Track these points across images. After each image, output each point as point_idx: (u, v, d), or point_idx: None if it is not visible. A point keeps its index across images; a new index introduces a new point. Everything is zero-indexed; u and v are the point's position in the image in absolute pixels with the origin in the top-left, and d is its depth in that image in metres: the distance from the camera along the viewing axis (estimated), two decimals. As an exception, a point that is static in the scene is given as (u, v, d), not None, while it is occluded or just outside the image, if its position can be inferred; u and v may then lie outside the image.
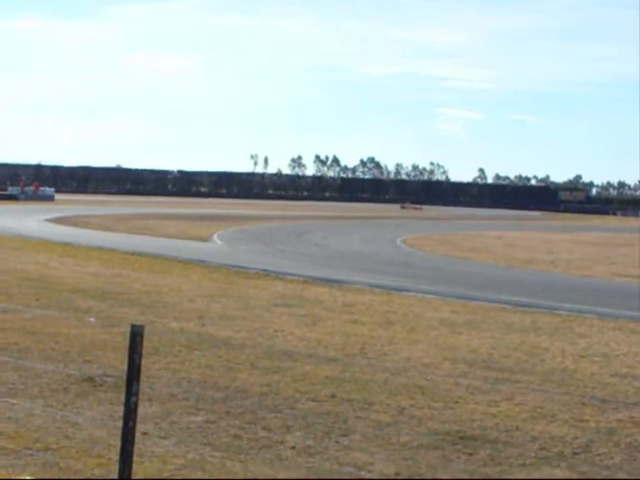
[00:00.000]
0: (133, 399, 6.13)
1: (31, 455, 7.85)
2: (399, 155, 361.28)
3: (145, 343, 6.30)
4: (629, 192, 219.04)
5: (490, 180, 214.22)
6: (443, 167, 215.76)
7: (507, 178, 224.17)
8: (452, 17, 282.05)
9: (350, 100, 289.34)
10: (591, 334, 17.11)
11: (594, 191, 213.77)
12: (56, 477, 7.39)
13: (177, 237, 43.16)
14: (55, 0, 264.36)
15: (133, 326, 6.22)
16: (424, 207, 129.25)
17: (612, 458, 8.83)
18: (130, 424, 6.16)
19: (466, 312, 19.61)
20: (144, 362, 6.44)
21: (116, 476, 6.27)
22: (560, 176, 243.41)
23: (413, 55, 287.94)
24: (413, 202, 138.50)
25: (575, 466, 8.50)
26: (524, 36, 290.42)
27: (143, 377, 6.47)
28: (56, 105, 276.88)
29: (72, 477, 7.41)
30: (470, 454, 8.64)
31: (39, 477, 7.29)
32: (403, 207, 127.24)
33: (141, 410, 7.06)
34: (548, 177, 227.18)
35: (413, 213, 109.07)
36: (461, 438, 9.18)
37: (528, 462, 8.50)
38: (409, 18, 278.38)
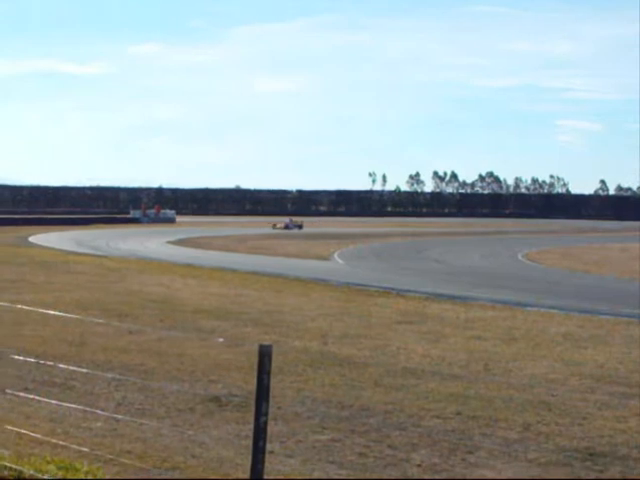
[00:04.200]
0: (263, 419, 6.19)
1: (160, 474, 8.00)
2: (518, 169, 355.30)
3: (271, 362, 6.37)
4: None
5: (612, 192, 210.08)
6: (563, 179, 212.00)
7: (630, 189, 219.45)
8: (570, 27, 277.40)
9: (467, 114, 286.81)
10: None
11: None
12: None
13: (297, 256, 43.51)
14: (173, 25, 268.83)
15: (261, 346, 6.27)
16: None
17: None
18: (260, 443, 6.22)
19: (591, 326, 19.27)
20: (270, 381, 6.51)
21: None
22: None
23: (530, 67, 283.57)
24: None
25: None
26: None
27: (270, 396, 6.53)
28: (175, 128, 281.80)
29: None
30: (600, 471, 8.50)
31: None
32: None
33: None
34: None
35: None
36: (590, 455, 9.04)
37: (661, 479, 8.33)
38: (525, 30, 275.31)
